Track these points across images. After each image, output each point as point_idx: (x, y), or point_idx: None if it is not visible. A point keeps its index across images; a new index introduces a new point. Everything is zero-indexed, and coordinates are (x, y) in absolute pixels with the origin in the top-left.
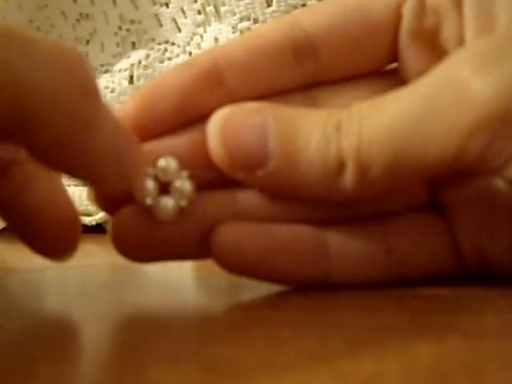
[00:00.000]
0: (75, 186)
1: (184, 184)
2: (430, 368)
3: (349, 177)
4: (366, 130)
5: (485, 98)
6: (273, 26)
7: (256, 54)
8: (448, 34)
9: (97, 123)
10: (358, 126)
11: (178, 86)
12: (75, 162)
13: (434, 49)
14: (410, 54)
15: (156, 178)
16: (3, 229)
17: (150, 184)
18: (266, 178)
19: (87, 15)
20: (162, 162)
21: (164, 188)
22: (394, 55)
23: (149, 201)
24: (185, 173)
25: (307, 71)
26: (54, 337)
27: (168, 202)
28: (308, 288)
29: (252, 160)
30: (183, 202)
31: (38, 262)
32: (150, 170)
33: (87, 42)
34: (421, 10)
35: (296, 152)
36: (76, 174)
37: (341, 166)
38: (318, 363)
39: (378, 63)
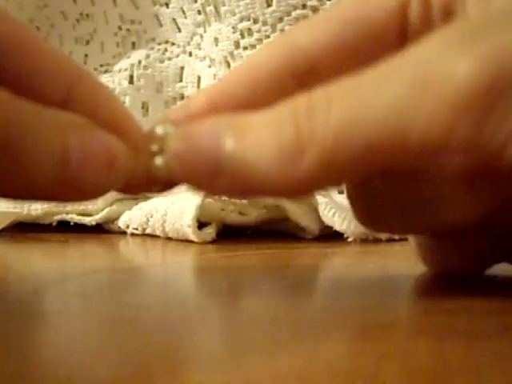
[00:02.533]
0: None
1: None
2: (430, 368)
3: (308, 161)
4: (335, 111)
5: (470, 76)
6: (269, 52)
7: (255, 89)
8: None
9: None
10: (324, 108)
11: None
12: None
13: None
14: None
15: (160, 148)
16: (3, 229)
17: (159, 161)
18: (226, 185)
19: (87, 15)
20: (160, 130)
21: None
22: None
23: (164, 176)
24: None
25: (308, 84)
26: (54, 337)
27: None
28: (308, 288)
29: (207, 174)
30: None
31: (38, 262)
32: (154, 147)
33: (87, 42)
34: (428, 12)
35: (249, 156)
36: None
37: (298, 152)
38: (318, 363)
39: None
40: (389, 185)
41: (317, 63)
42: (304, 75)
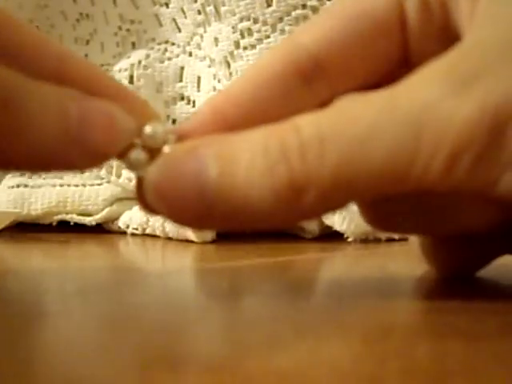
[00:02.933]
0: (75, 186)
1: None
2: (430, 368)
3: (308, 201)
4: (329, 155)
5: (469, 120)
6: (274, 54)
7: (261, 93)
8: (459, 22)
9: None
10: (317, 150)
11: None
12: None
13: (447, 38)
14: (422, 47)
15: (145, 146)
16: (3, 229)
17: (138, 155)
18: (214, 223)
19: (87, 15)
20: (148, 129)
21: (154, 154)
22: (405, 53)
23: (140, 172)
24: (172, 137)
25: (319, 90)
26: (54, 337)
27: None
28: (308, 288)
29: (192, 214)
30: (151, 147)
31: (38, 262)
32: (138, 140)
33: (87, 42)
34: (425, 5)
35: (239, 194)
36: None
37: (298, 192)
38: (318, 364)
39: (390, 64)
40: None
41: (321, 61)
42: (310, 73)
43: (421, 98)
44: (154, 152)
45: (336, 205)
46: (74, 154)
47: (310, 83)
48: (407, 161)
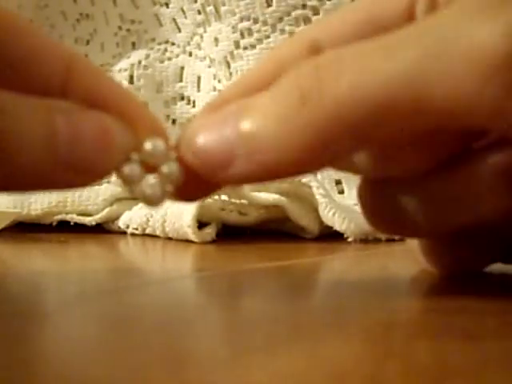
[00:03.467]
0: None
1: (172, 168)
2: (429, 368)
3: (317, 114)
4: (348, 70)
5: (501, 40)
6: (290, 50)
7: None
8: None
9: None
10: (335, 68)
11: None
12: None
13: None
14: None
15: (143, 162)
16: (3, 229)
17: (133, 170)
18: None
19: (87, 15)
20: (148, 145)
21: (151, 169)
22: None
23: (134, 188)
24: (173, 155)
25: None
26: (54, 337)
27: (154, 190)
28: (308, 288)
29: (219, 164)
30: (170, 188)
31: (38, 262)
32: (135, 155)
33: (87, 42)
34: (433, 7)
35: (258, 122)
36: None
37: (304, 105)
38: (318, 364)
39: None
40: (416, 183)
41: None
42: None
43: (447, 19)
44: (150, 169)
45: (347, 134)
46: (66, 174)
47: None
48: (434, 79)
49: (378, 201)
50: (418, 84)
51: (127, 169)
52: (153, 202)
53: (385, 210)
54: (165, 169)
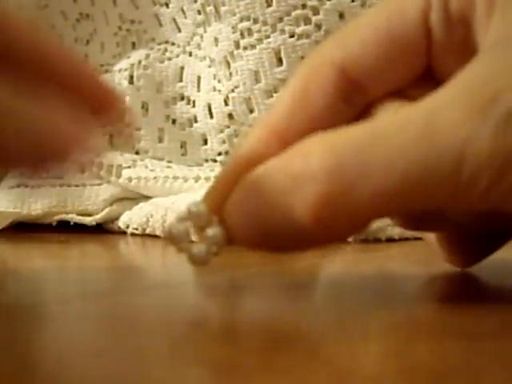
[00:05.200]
0: (75, 186)
1: (216, 232)
2: (429, 368)
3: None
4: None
5: (503, 151)
6: (315, 78)
7: (312, 119)
8: (480, 40)
9: None
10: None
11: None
12: None
13: (469, 55)
14: (444, 62)
15: (188, 221)
16: (3, 229)
17: (180, 229)
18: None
19: (87, 15)
20: (192, 208)
21: (197, 230)
22: (429, 66)
23: (181, 246)
24: (215, 219)
25: (357, 103)
26: (54, 337)
27: (200, 250)
28: (308, 288)
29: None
30: (215, 249)
31: (38, 261)
32: (182, 214)
33: (87, 42)
34: (448, 22)
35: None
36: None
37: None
38: (318, 363)
39: (415, 73)
40: None
41: (357, 79)
42: (348, 92)
43: (461, 135)
44: (197, 228)
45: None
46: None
47: (349, 100)
48: (446, 191)
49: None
50: (437, 195)
51: (174, 229)
52: (198, 262)
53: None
54: (209, 232)
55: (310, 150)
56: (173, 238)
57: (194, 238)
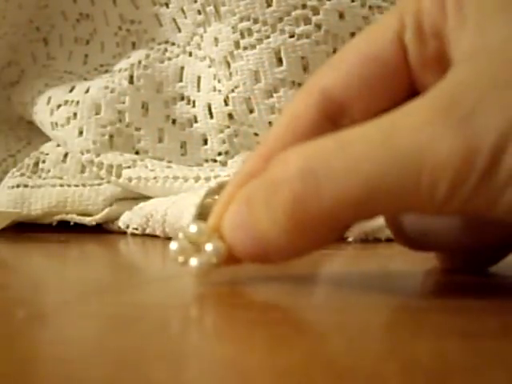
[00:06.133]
0: (75, 186)
1: (215, 245)
2: (430, 368)
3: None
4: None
5: (460, 157)
6: (305, 103)
7: (300, 140)
8: (452, 52)
9: None
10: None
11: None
12: None
13: (444, 67)
14: (422, 77)
15: (190, 239)
16: (3, 229)
17: (179, 246)
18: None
19: (87, 15)
20: (192, 228)
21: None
22: (412, 83)
23: (180, 259)
24: (215, 235)
25: (343, 125)
26: (54, 337)
27: (201, 262)
28: (308, 288)
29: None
30: (214, 260)
31: (38, 262)
32: (181, 235)
33: (87, 42)
34: (421, 37)
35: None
36: None
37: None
38: (318, 363)
39: (402, 94)
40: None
41: (344, 103)
42: (336, 116)
43: (420, 139)
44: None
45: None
46: None
47: (336, 122)
48: (408, 195)
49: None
50: (399, 202)
51: (174, 245)
52: (199, 273)
53: (413, 232)
54: (209, 246)
55: (288, 158)
56: (176, 254)
57: (195, 253)
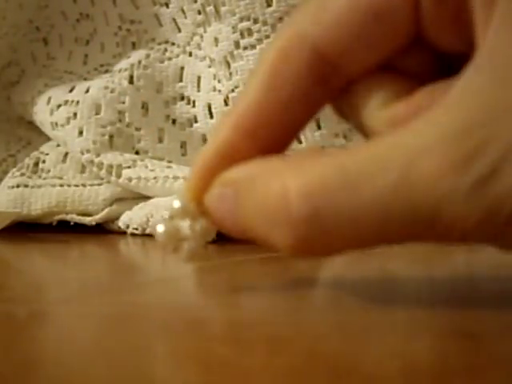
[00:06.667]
0: (75, 186)
1: (202, 225)
2: (429, 368)
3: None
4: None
5: (477, 215)
6: (286, 59)
7: (284, 107)
8: (474, 18)
9: None
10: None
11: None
12: None
13: (463, 27)
14: (435, 33)
15: (175, 218)
16: (3, 229)
17: (165, 228)
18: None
19: (87, 15)
20: (176, 203)
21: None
22: (417, 33)
23: (169, 244)
24: (199, 211)
25: (334, 85)
26: (54, 337)
27: (192, 246)
28: (308, 288)
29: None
30: (203, 241)
31: (38, 262)
32: (166, 214)
33: (87, 42)
34: None
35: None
36: None
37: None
38: (318, 363)
39: (401, 46)
40: None
41: (333, 58)
42: (324, 75)
43: (435, 193)
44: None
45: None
46: None
47: (326, 82)
48: (422, 236)
49: None
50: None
51: (161, 228)
52: (191, 258)
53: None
54: (197, 226)
55: (287, 189)
56: (164, 238)
57: (184, 232)
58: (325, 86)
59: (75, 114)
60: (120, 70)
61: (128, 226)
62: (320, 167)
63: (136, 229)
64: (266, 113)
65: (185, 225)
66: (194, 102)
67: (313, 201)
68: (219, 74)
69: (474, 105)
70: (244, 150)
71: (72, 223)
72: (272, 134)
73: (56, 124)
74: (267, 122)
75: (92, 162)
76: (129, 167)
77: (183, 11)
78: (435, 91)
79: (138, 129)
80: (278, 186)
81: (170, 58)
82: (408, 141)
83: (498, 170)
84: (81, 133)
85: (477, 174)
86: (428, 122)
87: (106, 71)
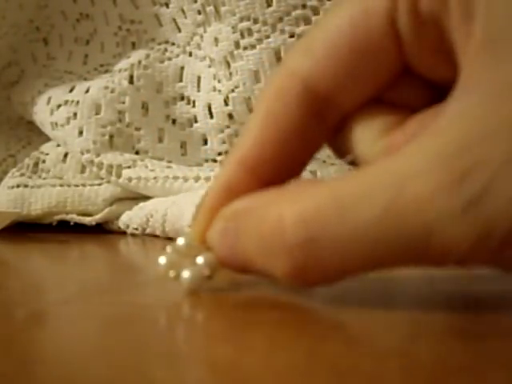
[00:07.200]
0: (75, 186)
1: (206, 257)
2: (429, 368)
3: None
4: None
5: (470, 238)
6: (284, 101)
7: (286, 143)
8: (458, 42)
9: None
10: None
11: (212, 198)
12: None
13: (445, 52)
14: (420, 59)
15: (178, 253)
16: (3, 229)
17: (168, 260)
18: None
19: (87, 15)
20: (180, 241)
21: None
22: (404, 65)
23: (171, 273)
24: (203, 246)
25: (331, 118)
26: (54, 337)
27: (192, 275)
28: (307, 288)
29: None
30: (207, 272)
31: (38, 262)
32: (169, 248)
33: (87, 42)
34: (417, 23)
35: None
36: None
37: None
38: (318, 363)
39: (389, 77)
40: None
41: (332, 98)
42: (321, 110)
43: (427, 216)
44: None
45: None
46: None
47: (320, 116)
48: (417, 260)
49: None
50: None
51: (163, 260)
52: (191, 286)
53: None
54: (199, 259)
55: (282, 217)
56: (165, 268)
57: (186, 265)
58: (321, 122)
59: (75, 114)
60: (120, 70)
61: (128, 226)
62: (314, 196)
63: (136, 229)
64: (266, 150)
65: (188, 259)
66: (193, 101)
67: (307, 228)
68: (219, 73)
69: (461, 128)
70: (247, 186)
71: (72, 223)
72: (273, 170)
73: (56, 124)
74: (268, 159)
75: (92, 161)
76: (129, 167)
77: (183, 11)
78: (426, 118)
79: (137, 129)
80: (275, 215)
81: (169, 58)
82: (398, 166)
83: (488, 192)
84: (81, 133)
85: (467, 196)
86: (417, 147)
87: (106, 71)
